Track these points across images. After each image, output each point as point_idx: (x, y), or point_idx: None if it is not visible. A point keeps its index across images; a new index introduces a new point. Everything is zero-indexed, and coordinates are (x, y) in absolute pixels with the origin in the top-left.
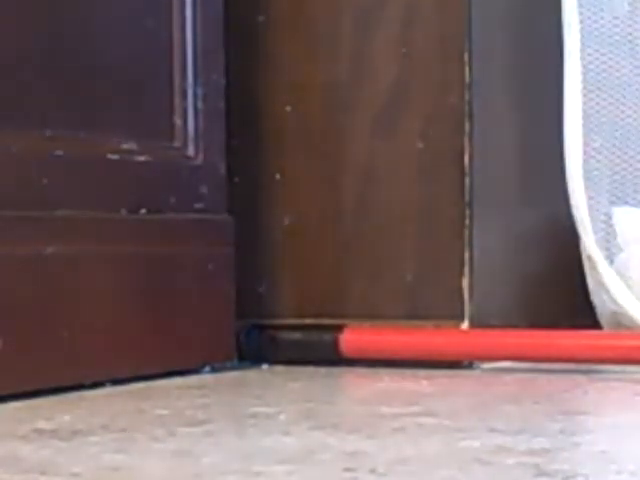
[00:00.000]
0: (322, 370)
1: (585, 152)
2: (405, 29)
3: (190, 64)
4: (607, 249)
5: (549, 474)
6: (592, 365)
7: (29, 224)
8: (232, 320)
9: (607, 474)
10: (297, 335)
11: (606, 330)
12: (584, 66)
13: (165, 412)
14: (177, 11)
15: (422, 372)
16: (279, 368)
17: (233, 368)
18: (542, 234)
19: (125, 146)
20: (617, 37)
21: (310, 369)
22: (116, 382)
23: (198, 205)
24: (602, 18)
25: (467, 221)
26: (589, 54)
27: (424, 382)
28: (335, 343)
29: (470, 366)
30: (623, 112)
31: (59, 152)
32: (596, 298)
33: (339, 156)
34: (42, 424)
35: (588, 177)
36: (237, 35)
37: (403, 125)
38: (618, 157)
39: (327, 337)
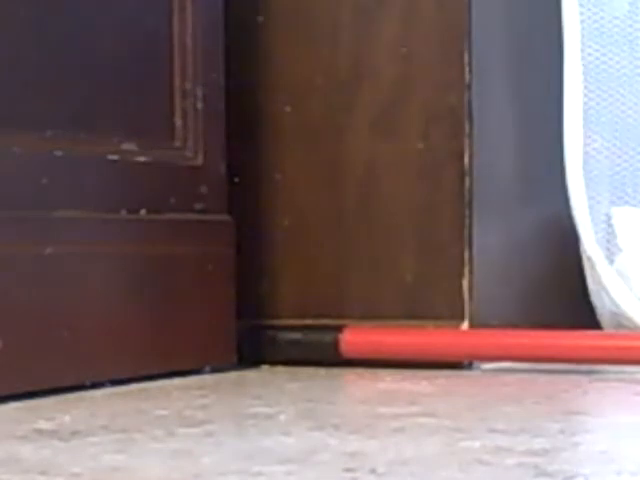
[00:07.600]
0: (322, 370)
1: (585, 152)
2: (405, 29)
3: (190, 64)
4: (607, 249)
5: (549, 474)
6: (592, 365)
7: (29, 224)
8: (232, 320)
9: (607, 474)
10: (297, 335)
11: (606, 330)
12: (584, 66)
13: (165, 412)
14: (177, 11)
15: (422, 372)
16: (279, 368)
17: (233, 368)
18: (542, 234)
19: (125, 146)
20: (617, 37)
21: (310, 369)
22: (116, 382)
23: (198, 205)
24: (602, 18)
25: (467, 221)
26: (589, 54)
27: (424, 382)
28: (335, 343)
29: (470, 366)
30: (623, 112)
31: (59, 152)
32: (596, 299)
33: (339, 156)
34: (42, 424)
35: (588, 177)
36: (237, 35)
37: (403, 125)
38: (618, 157)
39: (327, 337)
